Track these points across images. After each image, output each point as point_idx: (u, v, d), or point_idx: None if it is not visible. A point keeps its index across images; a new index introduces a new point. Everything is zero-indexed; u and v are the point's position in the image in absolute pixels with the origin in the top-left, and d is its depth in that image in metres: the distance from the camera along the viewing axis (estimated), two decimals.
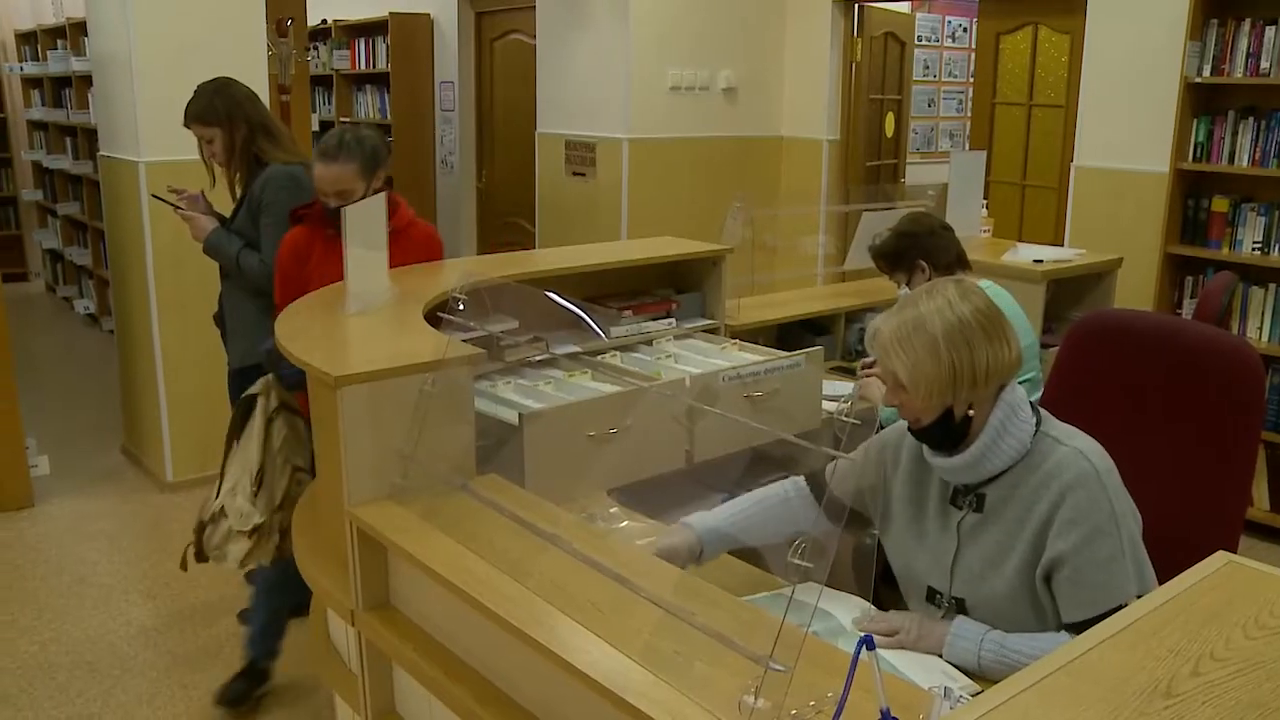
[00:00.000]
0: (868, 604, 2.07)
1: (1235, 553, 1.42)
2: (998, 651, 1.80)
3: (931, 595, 2.02)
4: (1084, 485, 1.83)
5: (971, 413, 1.89)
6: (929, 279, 3.19)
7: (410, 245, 3.08)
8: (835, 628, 1.97)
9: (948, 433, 1.90)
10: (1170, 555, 1.87)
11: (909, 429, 1.96)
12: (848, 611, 2.02)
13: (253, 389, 2.85)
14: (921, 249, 3.19)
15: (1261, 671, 1.11)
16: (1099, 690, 1.08)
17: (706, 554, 2.17)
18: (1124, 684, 1.09)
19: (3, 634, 3.64)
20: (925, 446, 1.98)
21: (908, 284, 3.26)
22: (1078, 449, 1.87)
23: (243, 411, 2.84)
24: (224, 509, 2.78)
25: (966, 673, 1.82)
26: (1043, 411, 1.96)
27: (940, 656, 1.85)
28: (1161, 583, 1.40)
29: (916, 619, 1.92)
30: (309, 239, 3.04)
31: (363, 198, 2.91)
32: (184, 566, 2.79)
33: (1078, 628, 1.78)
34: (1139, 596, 1.77)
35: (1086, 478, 1.84)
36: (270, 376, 2.84)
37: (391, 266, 2.85)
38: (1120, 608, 1.73)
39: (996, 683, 1.18)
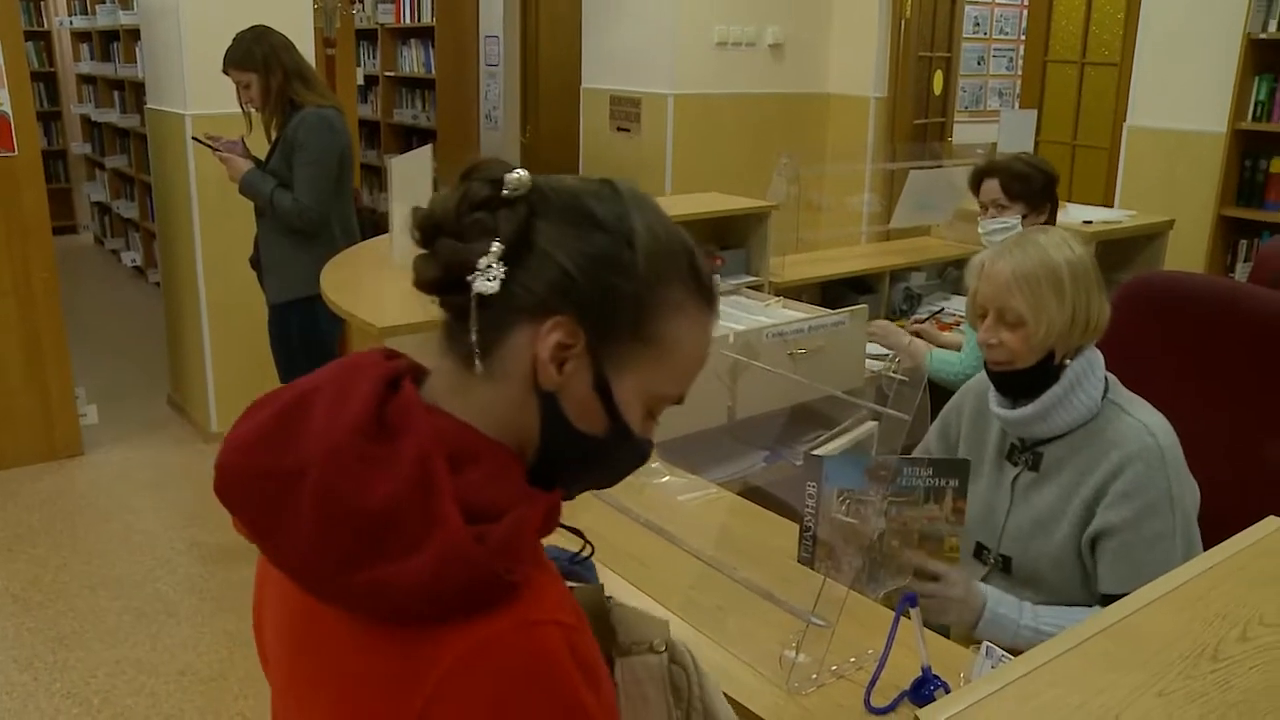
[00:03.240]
0: None
1: None
2: (1033, 636, 1.76)
3: (979, 552, 2.00)
4: (1144, 459, 1.80)
5: (1069, 362, 1.85)
6: (1044, 224, 3.08)
7: None
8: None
9: (1039, 380, 1.86)
10: (1219, 521, 1.84)
11: (988, 369, 1.92)
12: None
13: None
14: (1051, 195, 3.12)
15: None
16: (1143, 653, 1.07)
17: None
18: (1169, 647, 1.07)
19: (55, 578, 3.72)
20: (994, 397, 1.94)
21: (1024, 218, 3.11)
22: (1143, 422, 1.84)
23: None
24: None
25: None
26: (1112, 378, 1.92)
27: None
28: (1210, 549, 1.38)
29: (966, 579, 1.81)
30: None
31: None
32: None
33: (1112, 600, 1.75)
34: None
35: (1148, 452, 1.80)
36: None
37: None
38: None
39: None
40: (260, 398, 0.99)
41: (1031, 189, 3.12)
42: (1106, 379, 1.90)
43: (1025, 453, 1.94)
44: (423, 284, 0.97)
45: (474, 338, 0.93)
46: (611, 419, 0.96)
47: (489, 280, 0.92)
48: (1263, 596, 1.16)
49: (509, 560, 0.86)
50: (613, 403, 0.95)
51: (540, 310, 0.92)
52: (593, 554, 1.09)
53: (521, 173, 0.94)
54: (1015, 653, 1.72)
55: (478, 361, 0.94)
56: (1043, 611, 1.81)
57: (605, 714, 0.92)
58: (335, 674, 0.92)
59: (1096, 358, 1.89)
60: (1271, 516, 1.38)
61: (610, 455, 1.00)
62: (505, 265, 0.92)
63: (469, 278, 0.92)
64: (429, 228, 0.96)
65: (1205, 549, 1.81)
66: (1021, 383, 1.87)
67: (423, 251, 0.97)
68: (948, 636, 1.79)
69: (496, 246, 0.92)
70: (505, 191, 0.93)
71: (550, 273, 0.92)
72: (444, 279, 0.94)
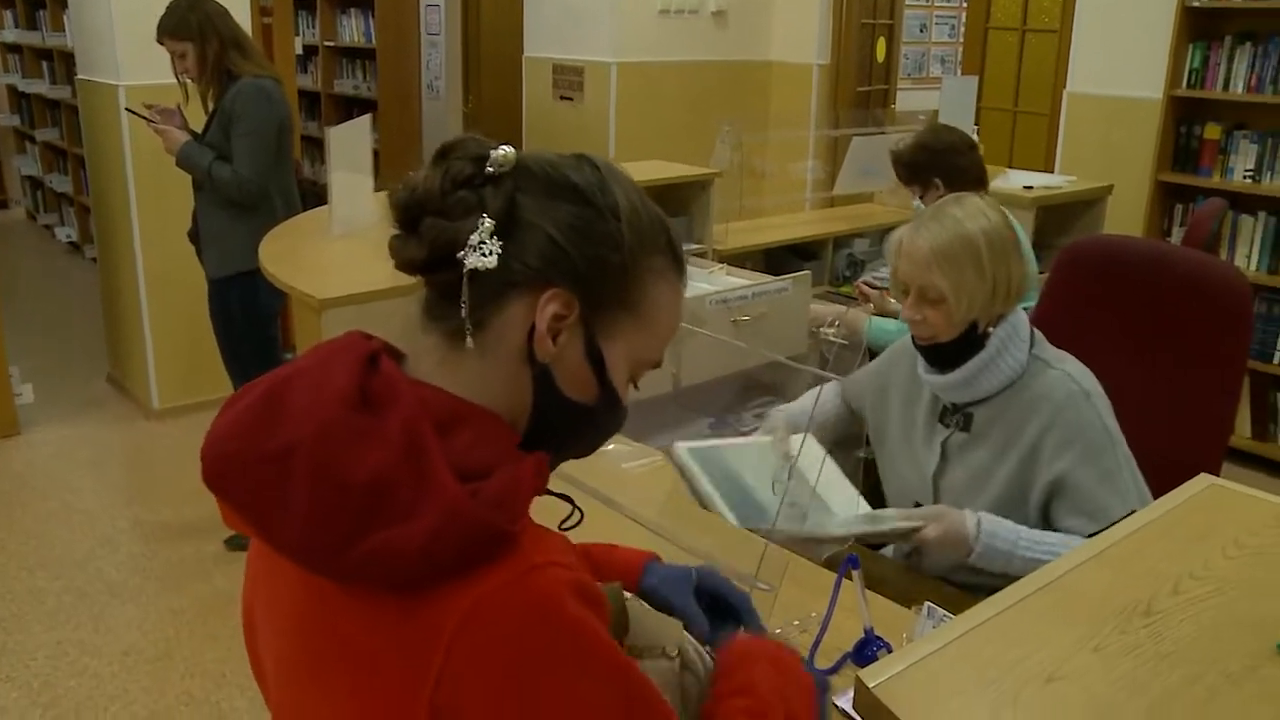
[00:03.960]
0: (858, 496, 2.05)
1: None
2: (1027, 562, 1.75)
3: None
4: (1073, 406, 1.84)
5: (991, 330, 1.87)
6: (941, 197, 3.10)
7: None
8: (821, 509, 1.96)
9: (965, 350, 1.87)
10: (1153, 480, 1.88)
11: (916, 344, 1.94)
12: (840, 495, 2.01)
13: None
14: (939, 166, 3.05)
15: (1238, 590, 1.11)
16: (1081, 608, 1.09)
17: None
18: (1105, 603, 1.09)
19: None
20: (922, 364, 1.97)
21: (921, 199, 3.13)
22: (1066, 372, 1.88)
23: None
24: None
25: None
26: (1037, 334, 1.95)
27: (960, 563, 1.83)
28: None
29: (939, 521, 1.82)
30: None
31: None
32: None
33: None
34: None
35: (1075, 398, 1.84)
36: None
37: None
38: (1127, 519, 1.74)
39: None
40: (237, 391, 0.98)
41: (916, 171, 3.11)
42: (1033, 335, 1.93)
43: (956, 414, 1.97)
44: (406, 264, 0.97)
45: (465, 314, 0.94)
46: (602, 386, 0.98)
47: (485, 255, 0.92)
48: (1194, 552, 1.19)
49: (505, 513, 0.86)
50: (604, 370, 0.97)
51: (534, 282, 0.93)
52: (581, 520, 1.08)
53: (507, 149, 0.95)
54: (1006, 577, 1.75)
55: (469, 337, 0.94)
56: (1038, 539, 1.81)
57: None
58: (346, 656, 0.91)
59: (1020, 320, 1.91)
60: (1203, 474, 1.40)
61: (596, 422, 1.01)
62: (499, 240, 0.92)
63: (459, 254, 0.92)
64: (411, 208, 0.95)
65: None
66: (947, 353, 1.90)
67: (398, 233, 0.97)
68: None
69: (488, 222, 0.92)
70: (490, 168, 0.94)
71: (541, 245, 0.93)
72: (431, 258, 0.94)
